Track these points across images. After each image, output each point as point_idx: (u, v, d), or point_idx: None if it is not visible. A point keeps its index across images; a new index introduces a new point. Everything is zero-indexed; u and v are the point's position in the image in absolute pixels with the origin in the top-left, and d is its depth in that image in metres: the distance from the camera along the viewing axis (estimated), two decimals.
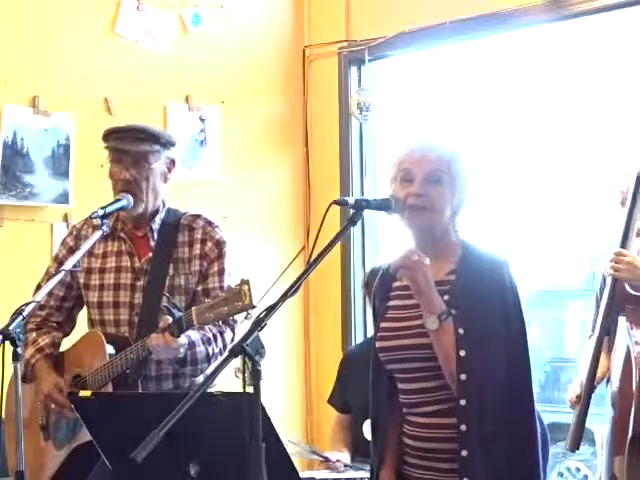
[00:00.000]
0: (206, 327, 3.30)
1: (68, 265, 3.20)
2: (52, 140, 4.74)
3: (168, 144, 3.47)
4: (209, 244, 3.45)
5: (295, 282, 2.42)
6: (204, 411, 2.29)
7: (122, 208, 3.36)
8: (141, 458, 2.09)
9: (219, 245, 3.46)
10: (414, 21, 5.15)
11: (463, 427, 2.60)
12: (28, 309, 2.91)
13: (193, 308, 3.08)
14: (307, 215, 5.56)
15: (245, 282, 2.93)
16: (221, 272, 3.44)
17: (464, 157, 2.76)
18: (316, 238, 2.49)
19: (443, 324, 2.61)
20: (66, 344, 3.61)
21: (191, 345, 3.26)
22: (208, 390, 2.30)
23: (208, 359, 3.33)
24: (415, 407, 2.73)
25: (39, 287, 3.55)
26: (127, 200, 3.36)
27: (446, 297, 2.66)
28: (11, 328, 2.80)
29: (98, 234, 3.27)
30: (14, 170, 4.63)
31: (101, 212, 3.27)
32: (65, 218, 4.75)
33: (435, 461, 2.70)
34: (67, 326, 3.63)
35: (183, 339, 3.18)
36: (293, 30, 5.61)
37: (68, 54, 4.82)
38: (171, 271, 3.41)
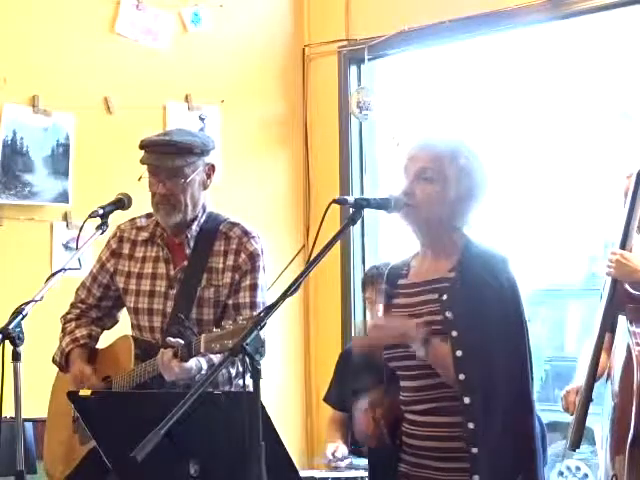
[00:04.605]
0: None
1: (68, 264, 3.20)
2: (52, 139, 4.75)
3: (204, 152, 3.38)
4: (242, 256, 3.36)
5: (295, 281, 2.42)
6: (204, 411, 2.29)
7: (122, 207, 3.35)
8: (141, 457, 2.09)
9: (253, 258, 3.36)
10: (414, 20, 5.15)
11: (471, 425, 2.59)
12: (28, 308, 2.91)
13: (202, 335, 3.02)
14: (307, 214, 5.56)
15: (251, 318, 2.88)
16: (254, 287, 3.35)
17: (463, 154, 2.73)
18: (316, 237, 2.49)
19: (430, 347, 2.62)
20: (106, 342, 3.59)
21: (212, 368, 3.21)
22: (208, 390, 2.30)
23: (230, 381, 3.27)
24: (414, 404, 2.74)
25: (83, 285, 3.57)
26: (126, 199, 3.35)
27: (445, 297, 2.67)
28: (11, 327, 2.80)
29: (97, 234, 3.27)
30: (14, 169, 4.64)
31: (100, 211, 3.27)
32: (65, 217, 4.75)
33: (430, 459, 2.70)
34: (107, 321, 3.62)
35: (190, 364, 3.11)
36: (293, 29, 5.61)
37: (68, 53, 4.83)
38: (203, 281, 3.35)
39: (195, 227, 3.41)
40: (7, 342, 2.78)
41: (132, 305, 3.46)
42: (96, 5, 4.94)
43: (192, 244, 3.41)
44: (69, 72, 4.81)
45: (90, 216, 3.28)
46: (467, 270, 2.69)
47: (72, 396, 2.81)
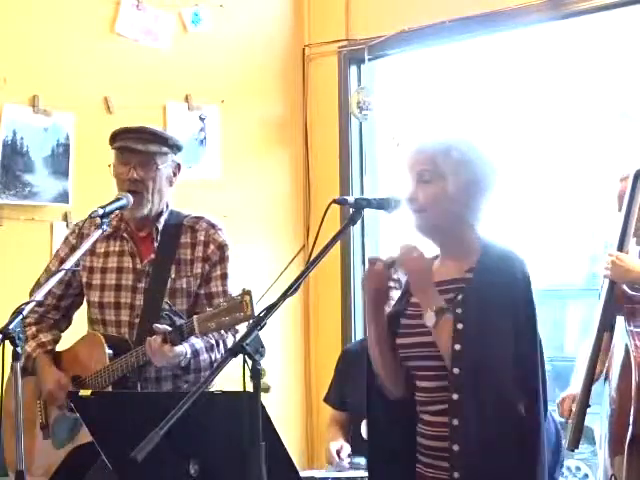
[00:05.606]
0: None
1: (68, 264, 3.21)
2: (52, 139, 4.74)
3: (175, 147, 3.48)
4: (212, 247, 3.45)
5: (295, 281, 2.42)
6: (204, 411, 2.29)
7: (122, 207, 3.36)
8: (141, 458, 2.09)
9: (221, 248, 3.46)
10: (414, 20, 5.15)
11: (455, 422, 2.56)
12: (28, 308, 2.91)
13: (195, 317, 3.08)
14: (307, 214, 5.56)
15: (247, 292, 2.93)
16: (224, 276, 3.45)
17: (456, 148, 2.69)
18: (316, 237, 2.49)
19: (441, 321, 2.59)
20: (64, 344, 3.61)
21: (195, 354, 3.27)
22: (208, 389, 2.30)
23: (212, 366, 3.32)
24: (429, 405, 2.70)
25: (38, 284, 3.55)
26: (126, 199, 3.36)
27: (460, 296, 2.63)
28: (11, 327, 2.79)
29: (98, 233, 3.27)
30: (14, 169, 4.64)
31: (101, 211, 3.27)
32: (65, 217, 4.75)
33: (443, 460, 2.66)
34: (62, 324, 3.65)
35: (181, 348, 3.18)
36: (293, 29, 5.61)
37: (68, 53, 4.82)
38: (173, 273, 3.42)
39: (161, 221, 3.47)
40: (7, 342, 2.78)
41: (97, 299, 3.48)
42: (96, 5, 4.94)
43: (159, 238, 3.46)
44: (69, 72, 4.81)
45: (90, 216, 3.29)
46: (485, 271, 2.64)
47: (72, 396, 2.81)
